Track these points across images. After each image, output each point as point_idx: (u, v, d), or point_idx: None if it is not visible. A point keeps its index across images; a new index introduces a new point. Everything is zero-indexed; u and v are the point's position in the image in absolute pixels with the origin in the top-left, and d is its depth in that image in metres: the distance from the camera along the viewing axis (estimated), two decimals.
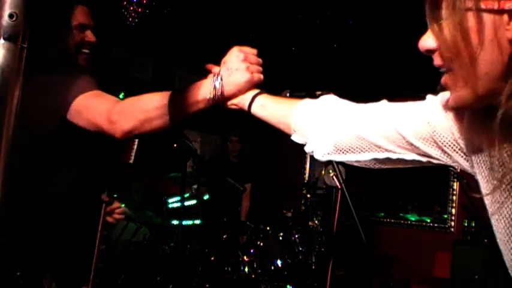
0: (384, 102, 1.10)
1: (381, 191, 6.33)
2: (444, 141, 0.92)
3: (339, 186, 1.82)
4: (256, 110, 1.29)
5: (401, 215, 5.77)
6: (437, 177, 5.56)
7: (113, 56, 4.83)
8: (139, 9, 4.02)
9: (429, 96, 0.99)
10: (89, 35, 1.65)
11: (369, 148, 1.07)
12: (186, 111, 1.36)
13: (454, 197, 5.28)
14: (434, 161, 0.98)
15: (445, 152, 0.94)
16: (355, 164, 1.13)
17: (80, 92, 1.49)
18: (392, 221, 5.76)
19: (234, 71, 1.28)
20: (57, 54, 1.62)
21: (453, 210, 5.27)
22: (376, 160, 1.08)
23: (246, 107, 1.30)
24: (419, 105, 1.00)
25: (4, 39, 0.71)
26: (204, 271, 3.51)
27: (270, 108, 1.27)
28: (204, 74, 1.38)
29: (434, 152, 0.96)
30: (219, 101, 1.31)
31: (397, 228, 5.69)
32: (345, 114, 1.12)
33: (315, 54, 5.01)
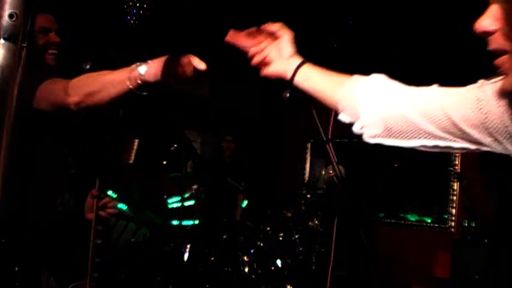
0: (435, 87, 1.06)
1: (381, 191, 6.33)
2: (495, 128, 0.91)
3: (339, 187, 1.82)
4: (299, 82, 1.24)
5: (401, 215, 5.77)
6: (437, 178, 5.56)
7: (113, 56, 4.83)
8: (141, 12, 4.02)
9: (481, 81, 0.96)
10: (52, 37, 1.82)
11: (418, 134, 1.04)
12: (115, 89, 1.51)
13: (454, 197, 5.27)
14: (484, 148, 0.97)
15: (496, 140, 0.93)
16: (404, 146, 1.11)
17: (42, 82, 1.63)
18: (393, 221, 5.76)
19: (159, 67, 1.43)
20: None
21: (453, 211, 5.27)
22: (425, 147, 1.05)
23: (288, 77, 1.26)
24: (471, 91, 0.97)
25: (4, 39, 0.71)
26: (204, 271, 3.52)
27: (315, 82, 1.23)
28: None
29: (486, 140, 0.94)
30: (143, 84, 1.45)
31: (398, 229, 5.69)
32: (397, 98, 1.09)
33: (315, 54, 5.01)
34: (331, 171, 1.86)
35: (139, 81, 1.44)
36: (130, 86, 1.45)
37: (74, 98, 1.54)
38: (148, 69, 1.45)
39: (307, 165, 6.51)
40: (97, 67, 1.99)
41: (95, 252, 1.74)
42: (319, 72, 1.25)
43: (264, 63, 1.29)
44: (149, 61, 1.46)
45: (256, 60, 1.29)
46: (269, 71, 1.29)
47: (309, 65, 1.27)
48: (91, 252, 1.73)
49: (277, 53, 1.28)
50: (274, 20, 1.31)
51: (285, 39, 1.29)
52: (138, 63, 1.47)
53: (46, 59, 1.83)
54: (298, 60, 1.28)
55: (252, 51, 1.29)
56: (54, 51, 1.83)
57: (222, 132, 4.75)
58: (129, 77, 1.46)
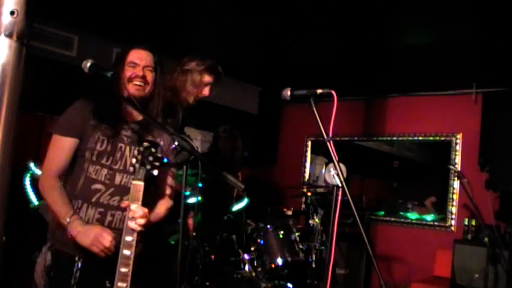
0: None
1: (382, 190, 6.33)
2: None
3: (340, 185, 1.82)
4: None
5: (401, 213, 5.77)
6: (437, 176, 5.55)
7: (114, 53, 4.83)
8: None
9: None
10: (137, 70, 2.08)
11: None
12: (55, 214, 2.01)
13: (455, 196, 5.27)
14: None
15: None
16: None
17: (54, 130, 2.07)
18: (393, 219, 5.75)
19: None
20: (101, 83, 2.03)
21: (453, 209, 5.26)
22: None
23: None
24: None
25: (5, 36, 0.70)
26: (204, 270, 3.51)
27: None
28: None
29: None
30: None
31: (398, 227, 5.69)
32: None
33: (315, 53, 5.00)
34: (331, 170, 1.85)
35: (67, 230, 1.91)
36: (65, 223, 1.91)
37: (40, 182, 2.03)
38: (70, 232, 1.91)
39: (307, 164, 6.51)
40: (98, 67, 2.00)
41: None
42: None
43: None
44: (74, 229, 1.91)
45: None
46: None
47: None
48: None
49: None
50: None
51: None
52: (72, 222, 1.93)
53: (129, 88, 2.06)
54: None
55: None
56: (138, 83, 2.07)
57: (216, 129, 4.69)
58: (65, 221, 1.91)
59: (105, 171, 2.04)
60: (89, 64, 1.96)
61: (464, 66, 4.75)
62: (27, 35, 0.75)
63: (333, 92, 1.91)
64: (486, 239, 4.01)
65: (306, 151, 6.50)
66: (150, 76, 2.12)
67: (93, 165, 2.04)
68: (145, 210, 1.88)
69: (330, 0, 3.72)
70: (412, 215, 5.69)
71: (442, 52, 4.50)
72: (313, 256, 4.17)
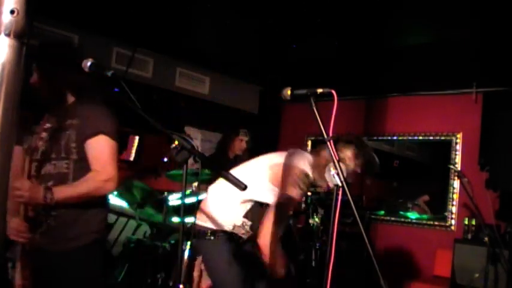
0: None
1: (382, 189, 6.32)
2: None
3: (340, 184, 1.82)
4: None
5: (401, 213, 5.77)
6: (437, 176, 5.55)
7: (114, 53, 4.83)
8: None
9: None
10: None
11: None
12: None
13: (455, 196, 5.27)
14: None
15: None
16: None
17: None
18: (393, 219, 5.75)
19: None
20: None
21: (454, 209, 5.26)
22: None
23: None
24: None
25: (5, 35, 0.71)
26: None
27: None
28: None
29: None
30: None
31: (398, 227, 5.69)
32: None
33: (315, 52, 5.00)
34: (332, 170, 1.85)
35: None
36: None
37: None
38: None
39: None
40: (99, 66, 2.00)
41: None
42: None
43: None
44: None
45: None
46: None
47: None
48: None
49: None
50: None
51: None
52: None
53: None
54: None
55: None
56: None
57: (234, 129, 4.70)
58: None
59: (34, 165, 2.14)
60: (89, 63, 1.96)
61: (464, 66, 4.75)
62: (27, 34, 0.75)
63: (333, 92, 1.90)
64: (486, 239, 4.01)
65: (306, 150, 6.49)
66: (37, 76, 2.25)
67: (31, 164, 2.15)
68: (19, 183, 1.97)
69: (330, 0, 3.73)
70: (412, 215, 5.69)
71: (442, 52, 4.50)
72: (313, 256, 4.17)
